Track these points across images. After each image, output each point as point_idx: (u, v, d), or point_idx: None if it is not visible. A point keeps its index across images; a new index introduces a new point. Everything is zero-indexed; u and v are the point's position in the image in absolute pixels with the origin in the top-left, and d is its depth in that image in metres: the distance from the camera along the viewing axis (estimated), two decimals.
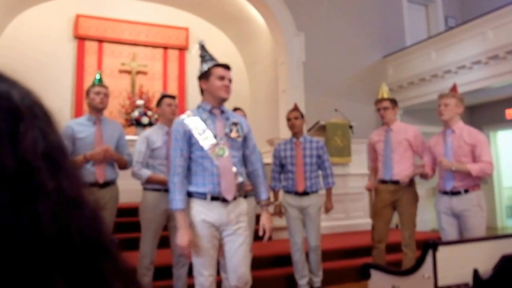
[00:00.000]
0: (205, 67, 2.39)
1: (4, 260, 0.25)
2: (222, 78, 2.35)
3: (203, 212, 2.27)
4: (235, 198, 2.34)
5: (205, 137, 2.30)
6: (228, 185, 2.29)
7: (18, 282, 0.25)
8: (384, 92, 3.69)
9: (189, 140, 2.31)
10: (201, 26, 8.50)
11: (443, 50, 6.77)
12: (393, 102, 3.66)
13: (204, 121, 2.35)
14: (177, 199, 2.25)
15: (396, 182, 3.50)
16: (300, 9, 7.21)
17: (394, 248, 3.87)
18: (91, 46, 7.93)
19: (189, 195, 2.32)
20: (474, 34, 6.30)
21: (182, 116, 2.39)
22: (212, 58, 2.43)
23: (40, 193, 0.28)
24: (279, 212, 3.76)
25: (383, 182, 3.59)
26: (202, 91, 2.44)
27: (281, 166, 3.74)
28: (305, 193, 3.60)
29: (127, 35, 8.14)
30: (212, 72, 2.36)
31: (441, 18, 8.72)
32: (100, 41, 7.98)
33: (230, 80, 2.39)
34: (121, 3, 8.17)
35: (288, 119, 3.72)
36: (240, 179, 2.36)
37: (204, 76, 2.39)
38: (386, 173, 3.56)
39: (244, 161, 2.49)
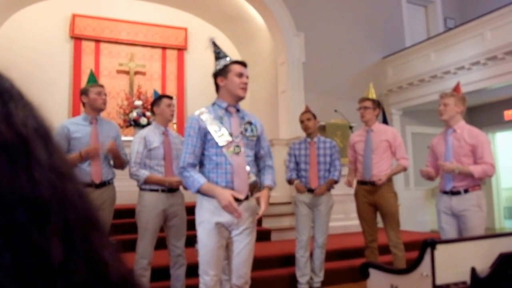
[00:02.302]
0: (223, 63, 2.36)
1: (3, 215, 0.26)
2: (240, 75, 2.32)
3: (215, 213, 2.23)
4: (247, 198, 2.31)
5: (220, 134, 2.27)
6: (241, 183, 2.26)
7: (16, 236, 0.26)
8: (370, 93, 3.71)
9: (204, 137, 2.27)
10: (200, 26, 8.48)
11: (442, 51, 6.79)
12: (375, 103, 3.66)
13: (220, 118, 2.31)
14: (195, 178, 2.21)
15: (374, 183, 3.50)
16: (300, 9, 7.22)
17: (383, 249, 3.84)
18: (87, 46, 7.88)
19: (202, 194, 2.27)
20: (473, 35, 6.31)
21: (197, 112, 2.35)
22: (226, 55, 2.40)
23: (34, 163, 0.29)
24: (301, 187, 3.65)
25: (362, 183, 3.60)
26: (217, 88, 2.40)
27: (296, 164, 3.77)
28: None
29: (125, 35, 8.11)
30: (231, 69, 2.33)
31: (440, 19, 8.74)
32: (97, 41, 7.94)
33: (247, 77, 2.36)
34: (118, 2, 8.13)
35: (301, 121, 3.77)
36: (253, 178, 2.33)
37: (221, 73, 2.35)
38: (365, 174, 3.57)
39: (258, 160, 2.46)
